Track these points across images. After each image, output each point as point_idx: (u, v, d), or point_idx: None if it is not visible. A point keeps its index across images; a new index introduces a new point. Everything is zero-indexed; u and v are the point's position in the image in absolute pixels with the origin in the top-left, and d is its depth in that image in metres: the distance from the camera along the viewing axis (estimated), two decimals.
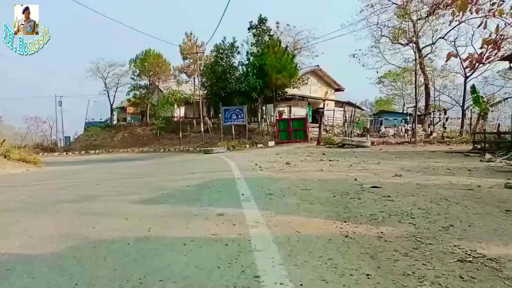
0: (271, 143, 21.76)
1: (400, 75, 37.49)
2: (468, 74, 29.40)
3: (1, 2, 49.19)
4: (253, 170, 8.59)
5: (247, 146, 21.77)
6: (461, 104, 30.38)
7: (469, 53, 21.03)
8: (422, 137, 22.81)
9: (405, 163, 10.22)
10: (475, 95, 23.76)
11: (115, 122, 39.66)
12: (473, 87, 24.58)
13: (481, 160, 10.72)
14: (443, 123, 21.45)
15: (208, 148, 21.18)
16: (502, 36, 13.41)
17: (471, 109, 29.64)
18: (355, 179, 6.50)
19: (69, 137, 39.55)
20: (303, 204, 4.31)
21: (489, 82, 31.54)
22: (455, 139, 20.23)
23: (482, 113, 23.06)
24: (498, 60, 23.11)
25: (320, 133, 19.73)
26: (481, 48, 16.26)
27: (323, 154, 14.77)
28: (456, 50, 29.44)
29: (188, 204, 4.59)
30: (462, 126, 25.95)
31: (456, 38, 29.53)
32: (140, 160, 18.68)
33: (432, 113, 24.15)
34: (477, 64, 18.06)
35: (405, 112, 31.54)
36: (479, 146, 14.71)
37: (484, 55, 13.81)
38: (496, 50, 13.85)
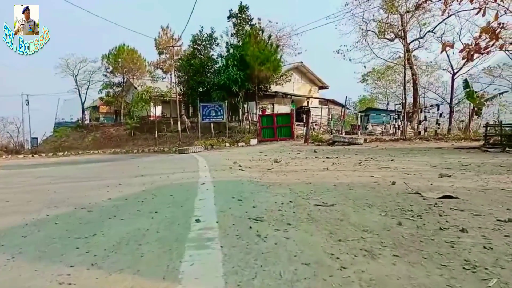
0: (254, 141, 19.03)
1: (384, 73, 35.47)
2: (456, 71, 27.57)
3: (1, 2, 45.62)
4: (230, 171, 5.81)
5: (227, 144, 18.95)
6: (448, 101, 28.55)
7: (464, 44, 18.67)
8: (412, 135, 20.61)
9: (426, 159, 7.68)
10: (469, 89, 21.79)
11: (87, 122, 35.95)
12: (465, 81, 22.58)
13: None
14: (437, 119, 19.19)
15: (183, 148, 18.25)
16: (501, 24, 10.92)
17: (455, 106, 27.79)
18: (393, 183, 3.84)
19: (36, 138, 35.64)
20: (349, 255, 1.57)
21: (475, 80, 29.73)
22: (452, 136, 18.00)
23: (476, 109, 21.02)
24: (497, 50, 21.15)
25: (307, 130, 17.13)
26: (479, 37, 13.60)
27: (315, 151, 12.13)
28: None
29: (46, 258, 1.78)
30: (450, 123, 23.94)
31: (443, 34, 27.49)
32: (103, 162, 15.57)
33: (424, 109, 21.92)
34: (475, 55, 16.07)
35: (392, 109, 29.43)
36: (490, 141, 12.43)
37: (477, 44, 11.36)
38: (494, 40, 11.24)
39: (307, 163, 7.36)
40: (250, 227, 2.06)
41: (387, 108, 38.03)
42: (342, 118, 18.48)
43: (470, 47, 15.01)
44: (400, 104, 27.39)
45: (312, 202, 2.84)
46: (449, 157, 8.36)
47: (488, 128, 12.72)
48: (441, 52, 20.74)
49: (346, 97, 17.55)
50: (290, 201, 2.87)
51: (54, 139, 34.23)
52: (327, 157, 8.98)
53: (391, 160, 7.50)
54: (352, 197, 3.06)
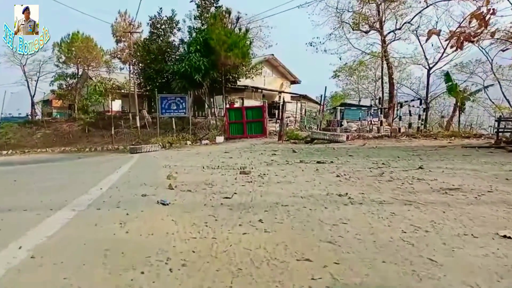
0: (220, 139, 15.73)
1: (356, 69, 33.12)
2: (431, 65, 25.44)
3: (1, 2, 40.70)
4: (125, 212, 2.48)
5: (188, 142, 15.51)
6: (423, 97, 26.54)
7: (450, 31, 15.99)
8: (389, 131, 18.16)
9: (467, 166, 4.80)
10: (451, 83, 19.59)
11: (39, 117, 31.04)
12: (447, 75, 20.39)
13: None
14: (419, 115, 16.72)
15: (137, 146, 14.64)
16: (491, 10, 8.66)
17: (430, 102, 25.77)
18: None
19: None
20: None
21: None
22: (441, 133, 15.61)
23: (459, 104, 18.84)
24: (488, 38, 18.98)
25: (282, 126, 14.06)
26: (469, 23, 10.94)
27: (294, 151, 9.05)
28: (418, 39, 25.38)
29: None
30: (426, 120, 21.81)
31: (418, 27, 25.14)
32: (26, 164, 11.74)
33: (407, 104, 19.37)
34: (465, 43, 13.75)
35: (369, 104, 27.01)
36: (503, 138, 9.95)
37: (464, 32, 9.88)
38: (483, 27, 9.32)
39: (293, 173, 4.21)
40: None
41: (359, 103, 35.86)
42: (321, 112, 15.53)
43: (459, 34, 12.53)
44: (377, 99, 25.01)
45: None
46: (490, 161, 5.57)
47: (502, 122, 10.23)
48: (426, 41, 18.32)
49: (326, 87, 14.65)
50: None
51: None
52: (318, 162, 5.89)
53: (419, 169, 4.53)
54: None
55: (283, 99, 28.66)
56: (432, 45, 22.67)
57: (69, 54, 28.36)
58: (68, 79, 29.08)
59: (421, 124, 17.58)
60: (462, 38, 12.33)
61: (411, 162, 5.55)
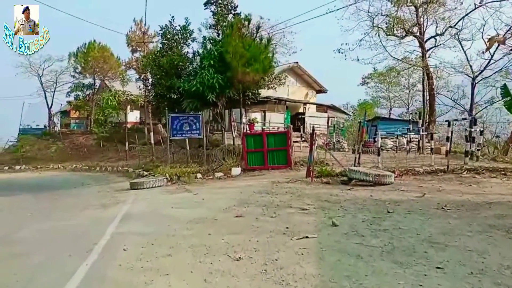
0: (237, 171, 12.82)
1: (386, 75, 29.31)
2: (476, 74, 21.32)
3: (1, 2, 40.55)
4: None
5: (199, 175, 12.69)
6: (467, 109, 22.50)
7: None
8: (429, 152, 14.58)
9: None
10: (510, 98, 15.69)
11: (57, 128, 29.36)
12: (504, 87, 16.41)
13: None
14: (473, 137, 12.98)
15: (138, 181, 11.92)
16: None
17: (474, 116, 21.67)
18: None
19: None
20: None
21: (490, 84, 23.17)
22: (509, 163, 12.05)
23: None
24: None
25: (311, 157, 10.98)
26: None
27: (334, 225, 5.91)
28: (461, 44, 21.40)
29: None
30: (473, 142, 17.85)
31: (460, 31, 21.03)
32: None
33: (466, 128, 15.57)
34: None
35: (406, 118, 23.32)
36: None
37: None
38: None
39: None
40: None
41: (389, 114, 32.06)
42: (359, 142, 12.15)
43: None
44: (416, 113, 21.25)
45: None
46: None
47: None
48: (487, 50, 14.72)
49: (366, 112, 11.18)
50: None
51: (15, 148, 27.57)
52: None
53: None
54: None
55: (306, 112, 25.49)
56: (483, 52, 18.47)
57: (85, 64, 26.39)
58: (85, 89, 27.15)
59: (477, 149, 13.95)
60: None
61: None
